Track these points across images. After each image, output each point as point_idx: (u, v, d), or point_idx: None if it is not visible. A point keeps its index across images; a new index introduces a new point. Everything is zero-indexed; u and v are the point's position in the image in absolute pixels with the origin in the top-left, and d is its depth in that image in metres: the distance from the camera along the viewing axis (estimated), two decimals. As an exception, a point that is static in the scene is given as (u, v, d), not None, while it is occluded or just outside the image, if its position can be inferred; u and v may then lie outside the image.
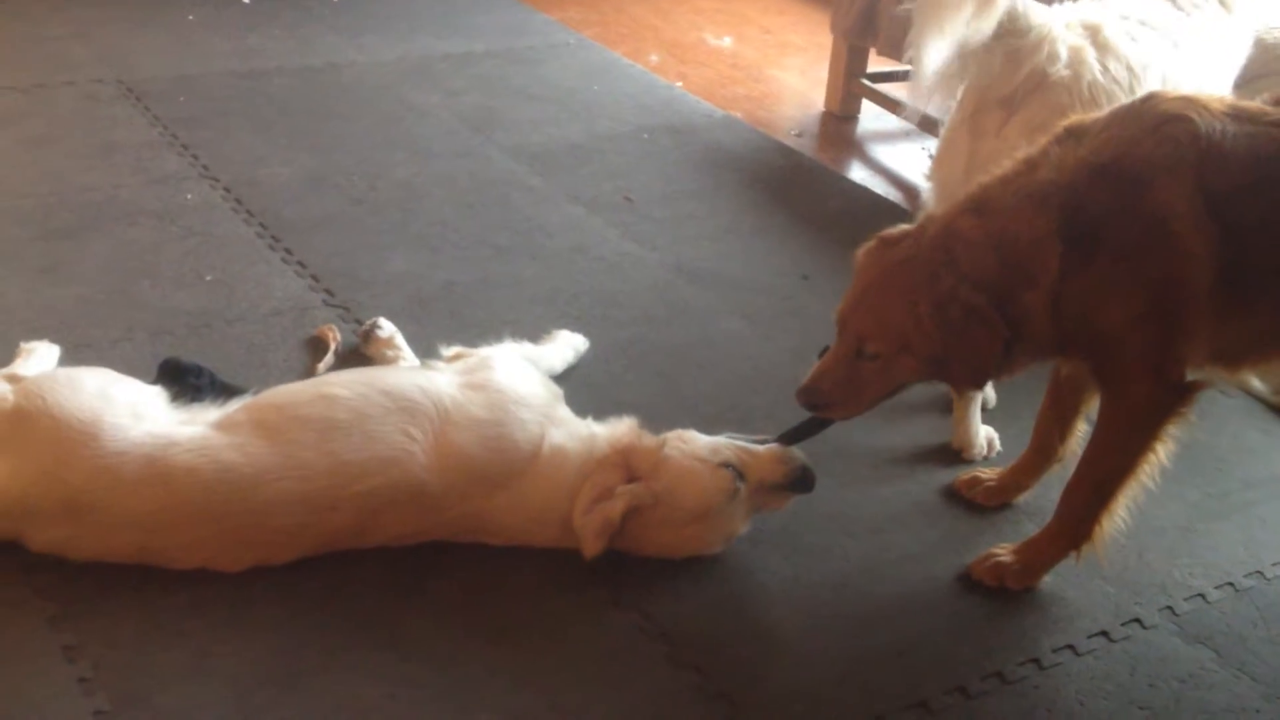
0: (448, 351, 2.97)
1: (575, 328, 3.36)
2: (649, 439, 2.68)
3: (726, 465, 2.59)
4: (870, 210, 4.25)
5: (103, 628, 2.38)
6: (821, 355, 2.52)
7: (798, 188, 4.46)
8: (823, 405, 2.52)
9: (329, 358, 3.19)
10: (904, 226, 2.50)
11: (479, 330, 3.31)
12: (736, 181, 4.45)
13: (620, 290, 3.67)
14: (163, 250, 3.66)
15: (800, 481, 2.65)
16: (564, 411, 2.75)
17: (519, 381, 2.72)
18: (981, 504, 2.91)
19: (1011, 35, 2.90)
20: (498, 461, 2.57)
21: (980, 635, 2.57)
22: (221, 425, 2.56)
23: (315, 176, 4.17)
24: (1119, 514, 2.58)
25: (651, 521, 2.57)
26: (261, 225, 3.84)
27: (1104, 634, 2.59)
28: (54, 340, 3.06)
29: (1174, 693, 2.46)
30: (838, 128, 5.11)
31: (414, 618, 2.48)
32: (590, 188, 4.28)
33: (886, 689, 2.41)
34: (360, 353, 3.20)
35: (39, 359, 2.94)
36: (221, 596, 2.47)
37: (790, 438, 2.71)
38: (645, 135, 4.75)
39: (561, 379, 3.07)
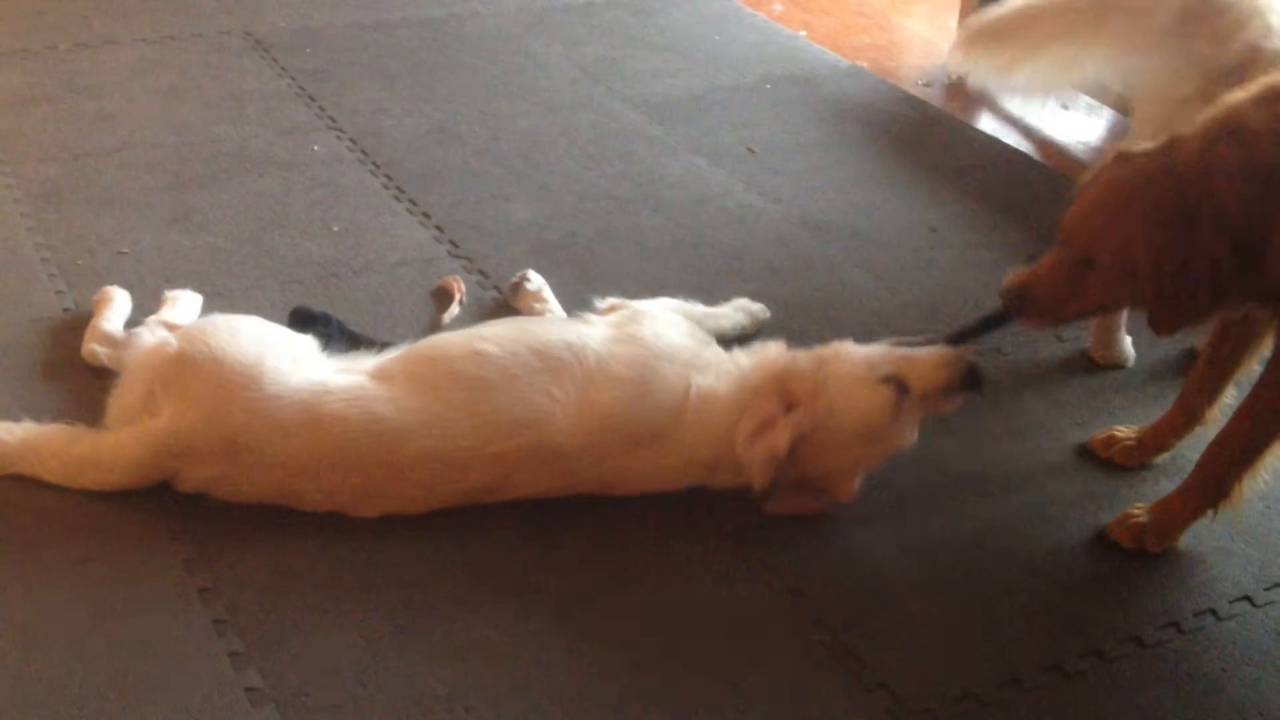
0: (603, 303, 2.95)
1: (697, 280, 3.32)
2: (803, 359, 2.61)
3: (887, 379, 2.51)
4: (1001, 163, 4.14)
5: (237, 572, 2.42)
6: (1027, 262, 2.42)
7: (925, 139, 4.37)
8: (1026, 308, 2.41)
9: (454, 308, 3.19)
10: (1144, 145, 2.31)
11: (602, 281, 3.30)
12: (861, 133, 4.36)
13: (743, 242, 3.62)
14: (291, 200, 3.69)
15: (968, 381, 2.54)
16: (711, 354, 2.70)
17: (664, 336, 2.69)
18: (1118, 463, 2.82)
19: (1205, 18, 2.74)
20: (640, 421, 2.55)
21: (1117, 597, 2.50)
22: (377, 375, 2.59)
23: (439, 127, 4.17)
24: (1262, 475, 2.48)
25: (815, 445, 2.52)
26: (387, 176, 3.86)
27: (1248, 599, 2.51)
28: (188, 288, 3.11)
29: (1321, 662, 2.38)
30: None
31: (541, 568, 2.49)
32: (712, 139, 4.23)
33: (1020, 651, 2.37)
34: (508, 305, 3.20)
35: (185, 307, 3.00)
36: (352, 544, 2.49)
37: (959, 337, 2.63)
38: (768, 85, 4.68)
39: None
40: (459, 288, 3.26)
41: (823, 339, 3.11)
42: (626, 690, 2.25)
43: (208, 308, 3.04)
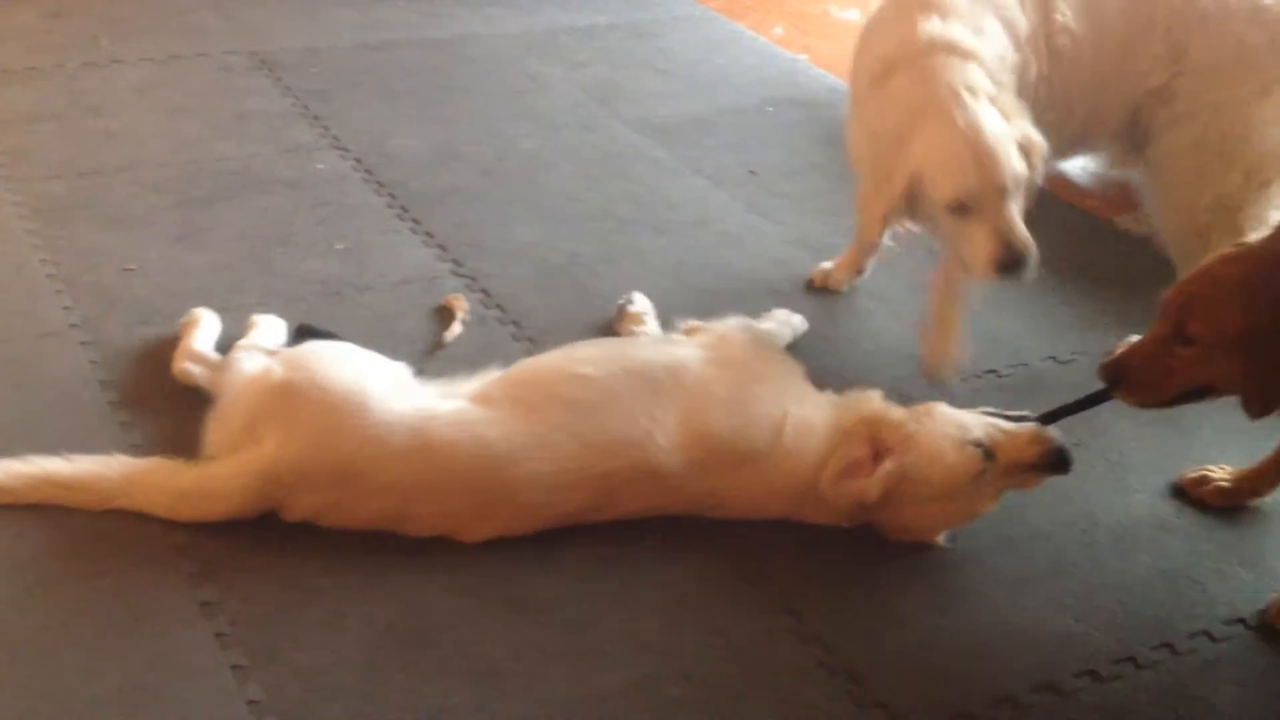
0: (683, 325, 2.99)
1: (698, 300, 3.35)
2: (896, 411, 2.65)
3: (976, 444, 2.54)
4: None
5: (240, 585, 2.44)
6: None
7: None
8: (1123, 383, 2.42)
9: (456, 326, 3.22)
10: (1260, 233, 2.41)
11: (604, 302, 3.32)
12: (861, 156, 4.39)
13: (744, 264, 3.65)
14: (295, 219, 3.72)
15: (1055, 463, 2.57)
16: (804, 385, 2.75)
17: (760, 359, 2.74)
18: (1210, 504, 2.79)
19: None
20: (740, 441, 2.58)
21: (1112, 618, 2.53)
22: (479, 399, 2.62)
23: (443, 148, 4.21)
24: None
25: (899, 495, 2.56)
26: (391, 195, 3.89)
27: (1241, 621, 2.54)
28: (192, 306, 3.13)
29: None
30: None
31: (544, 584, 2.51)
32: (713, 161, 4.26)
33: (1016, 670, 2.39)
34: (612, 328, 3.23)
35: (272, 331, 3.00)
36: (354, 558, 2.51)
37: (1052, 417, 2.66)
38: (769, 109, 4.72)
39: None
40: (461, 306, 3.29)
41: (824, 362, 3.16)
42: (625, 708, 2.27)
43: (212, 324, 3.06)
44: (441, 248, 3.62)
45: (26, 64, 4.56)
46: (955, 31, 2.83)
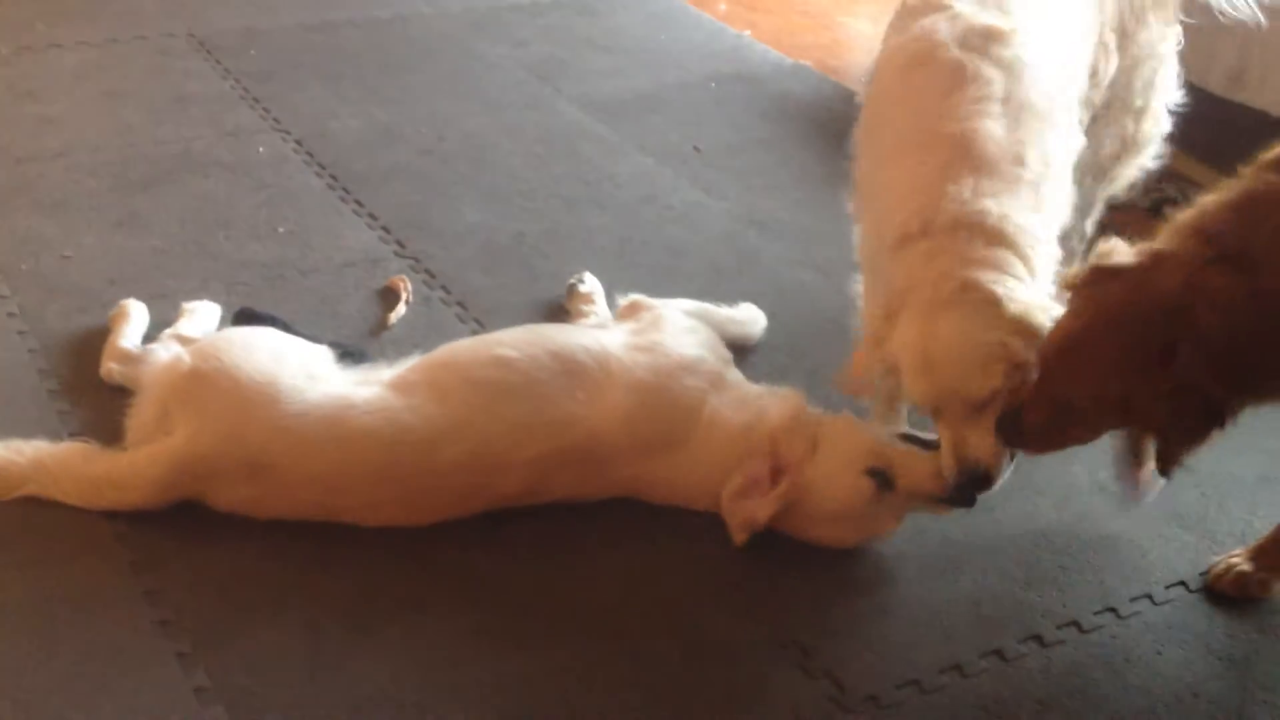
0: (624, 300, 2.98)
1: (644, 278, 3.34)
2: (803, 423, 2.58)
3: (874, 471, 2.47)
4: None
5: (182, 573, 2.43)
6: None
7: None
8: (1018, 441, 2.33)
9: (401, 308, 3.20)
10: (1122, 256, 2.17)
11: (551, 281, 3.32)
12: (807, 131, 4.40)
13: (689, 240, 3.65)
14: (236, 203, 3.69)
15: (956, 499, 2.46)
16: (733, 376, 2.73)
17: (686, 345, 2.71)
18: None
19: None
20: (658, 427, 2.57)
21: (1056, 584, 2.55)
22: (396, 386, 2.59)
23: (385, 129, 4.18)
24: None
25: (794, 513, 2.53)
26: (333, 177, 3.86)
27: (1183, 584, 2.56)
28: (132, 292, 3.09)
29: (1252, 643, 2.43)
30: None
31: (489, 566, 2.50)
32: (658, 138, 4.25)
33: (962, 638, 2.41)
34: (563, 306, 3.21)
35: (201, 319, 2.97)
36: (301, 545, 2.50)
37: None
38: (713, 84, 4.71)
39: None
40: (406, 287, 3.27)
41: (768, 338, 3.16)
42: (573, 686, 2.27)
43: (153, 311, 3.01)
44: (385, 229, 3.60)
45: (-41, 49, 4.49)
46: (984, 204, 2.37)
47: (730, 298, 3.32)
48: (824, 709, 2.24)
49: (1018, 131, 2.44)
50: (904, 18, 2.74)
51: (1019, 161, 2.42)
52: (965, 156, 2.41)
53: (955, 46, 2.53)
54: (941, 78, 2.51)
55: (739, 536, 2.52)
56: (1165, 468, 2.20)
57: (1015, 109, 2.46)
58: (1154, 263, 2.11)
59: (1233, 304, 2.00)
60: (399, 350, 2.89)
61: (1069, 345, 2.17)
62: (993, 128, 2.43)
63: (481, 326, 3.16)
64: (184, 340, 2.77)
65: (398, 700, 2.21)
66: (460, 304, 3.28)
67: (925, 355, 2.33)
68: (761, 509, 2.50)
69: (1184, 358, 2.03)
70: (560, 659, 2.31)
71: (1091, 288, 2.17)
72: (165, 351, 2.71)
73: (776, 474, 2.53)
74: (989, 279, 2.32)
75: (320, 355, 2.71)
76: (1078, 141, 2.67)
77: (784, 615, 2.43)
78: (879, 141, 2.65)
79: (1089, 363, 2.14)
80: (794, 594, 2.49)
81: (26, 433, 2.64)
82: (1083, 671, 2.36)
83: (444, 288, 3.34)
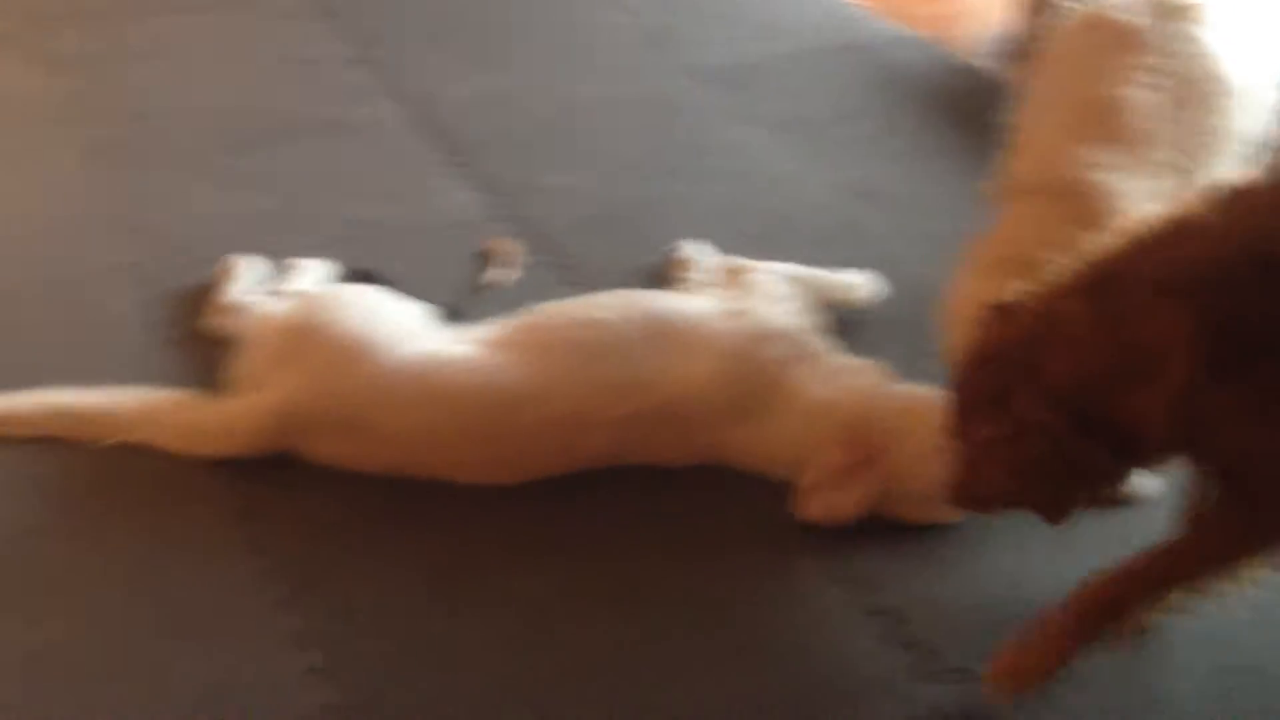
0: (724, 263, 2.99)
1: (746, 246, 3.27)
2: (885, 404, 2.53)
3: None
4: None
5: (284, 522, 2.50)
6: None
7: (982, 111, 4.31)
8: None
9: (507, 270, 3.22)
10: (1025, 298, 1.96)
11: (654, 248, 3.30)
12: (917, 102, 4.33)
13: (792, 209, 3.61)
14: (346, 165, 3.74)
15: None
16: (823, 347, 2.71)
17: (777, 313, 2.71)
18: None
19: None
20: (739, 394, 2.56)
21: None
22: (491, 344, 2.62)
23: (496, 94, 4.20)
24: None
25: (879, 498, 2.49)
26: (442, 141, 3.89)
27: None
28: (240, 249, 3.15)
29: None
30: (1025, 49, 4.92)
31: (574, 528, 2.52)
32: (767, 107, 4.21)
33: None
34: (661, 275, 3.19)
35: (309, 276, 3.02)
36: (391, 497, 2.54)
37: None
38: (825, 54, 4.64)
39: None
40: (509, 250, 3.29)
41: (883, 313, 3.10)
42: (662, 647, 2.28)
43: (260, 269, 3.08)
44: (492, 192, 3.62)
45: (77, 7, 4.59)
46: (1101, 176, 2.29)
47: (833, 267, 3.29)
48: (916, 678, 2.22)
49: (1176, 110, 2.35)
50: None
51: (1160, 142, 2.32)
52: (1102, 123, 2.34)
53: (1134, 12, 2.46)
54: (1109, 40, 2.45)
55: (821, 523, 2.48)
56: (1049, 519, 2.01)
57: (1182, 87, 2.37)
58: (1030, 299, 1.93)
59: (1082, 334, 1.83)
60: (501, 312, 2.91)
61: (961, 379, 2.03)
62: (1146, 99, 2.34)
63: (583, 291, 3.16)
64: (289, 297, 2.82)
65: (502, 653, 2.25)
66: (563, 268, 3.29)
67: (956, 312, 2.31)
68: (849, 504, 2.46)
69: (1019, 398, 1.87)
70: (648, 623, 2.32)
71: (990, 328, 1.98)
72: (268, 305, 2.76)
73: (860, 461, 2.48)
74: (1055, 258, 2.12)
75: (419, 314, 2.75)
76: (1244, 135, 2.49)
77: (873, 584, 2.41)
78: (1032, 100, 2.61)
79: (963, 400, 2.01)
80: (881, 563, 2.46)
81: (129, 382, 2.72)
82: (1181, 646, 2.29)
83: (548, 251, 3.35)
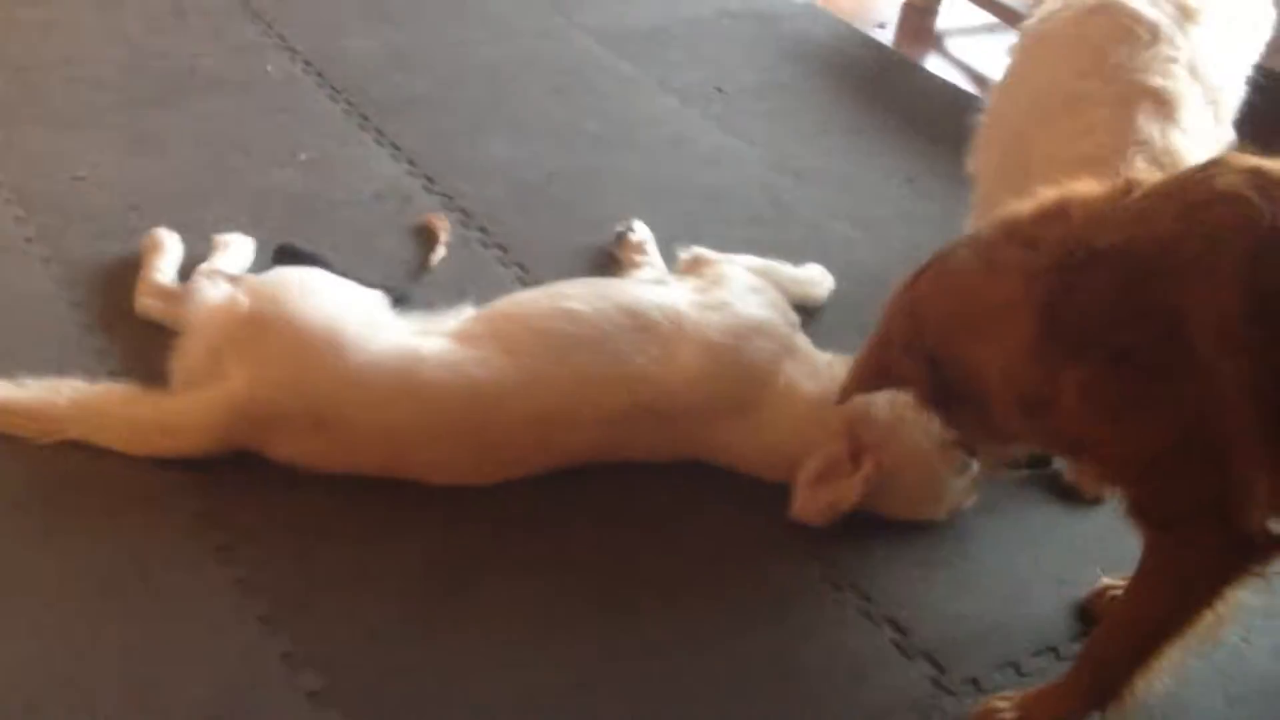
0: (685, 254, 2.86)
1: (681, 224, 3.22)
2: (880, 402, 2.46)
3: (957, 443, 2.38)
4: (969, 113, 4.12)
5: (252, 527, 2.32)
6: None
7: (888, 84, 4.31)
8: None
9: (440, 249, 3.07)
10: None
11: (589, 224, 3.21)
12: (824, 74, 4.30)
13: (727, 188, 3.55)
14: (251, 125, 3.51)
15: (1037, 459, 2.43)
16: (801, 342, 2.63)
17: (754, 305, 2.60)
18: None
19: None
20: (729, 389, 2.47)
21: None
22: (460, 337, 2.47)
23: (397, 52, 4.00)
24: (1161, 676, 2.03)
25: (872, 495, 2.44)
26: (348, 102, 3.69)
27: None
28: (154, 219, 2.94)
29: None
30: (920, 20, 4.95)
31: (558, 527, 2.43)
32: (679, 75, 4.12)
33: (1051, 616, 2.36)
34: (610, 253, 3.08)
35: (236, 253, 2.83)
36: (365, 498, 2.40)
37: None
38: (726, 20, 4.57)
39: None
40: (444, 226, 3.14)
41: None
42: (668, 654, 2.21)
43: (184, 242, 2.87)
44: (410, 162, 3.45)
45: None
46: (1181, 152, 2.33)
47: (771, 250, 3.23)
48: (926, 691, 2.20)
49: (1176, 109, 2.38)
50: None
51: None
52: (1164, 110, 2.36)
53: (1147, 3, 2.47)
54: (1124, 29, 2.45)
55: (819, 520, 2.44)
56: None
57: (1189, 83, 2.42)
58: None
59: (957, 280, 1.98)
60: (443, 294, 2.80)
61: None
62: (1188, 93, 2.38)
63: (525, 271, 3.05)
64: (230, 278, 2.63)
65: (501, 661, 2.15)
66: (500, 247, 3.15)
67: None
68: (846, 495, 2.42)
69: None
70: (644, 626, 2.25)
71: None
72: (214, 290, 2.55)
73: (856, 455, 2.44)
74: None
75: (376, 301, 2.59)
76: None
77: (874, 590, 2.38)
78: (1035, 87, 2.60)
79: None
80: (878, 567, 2.43)
81: (61, 370, 2.50)
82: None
83: (481, 229, 3.21)
